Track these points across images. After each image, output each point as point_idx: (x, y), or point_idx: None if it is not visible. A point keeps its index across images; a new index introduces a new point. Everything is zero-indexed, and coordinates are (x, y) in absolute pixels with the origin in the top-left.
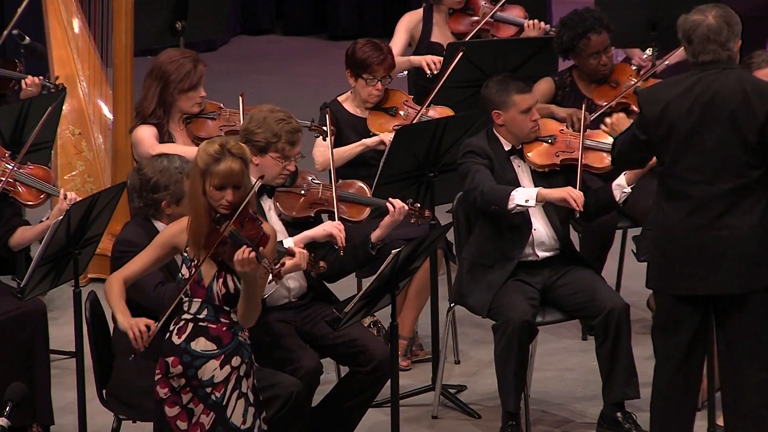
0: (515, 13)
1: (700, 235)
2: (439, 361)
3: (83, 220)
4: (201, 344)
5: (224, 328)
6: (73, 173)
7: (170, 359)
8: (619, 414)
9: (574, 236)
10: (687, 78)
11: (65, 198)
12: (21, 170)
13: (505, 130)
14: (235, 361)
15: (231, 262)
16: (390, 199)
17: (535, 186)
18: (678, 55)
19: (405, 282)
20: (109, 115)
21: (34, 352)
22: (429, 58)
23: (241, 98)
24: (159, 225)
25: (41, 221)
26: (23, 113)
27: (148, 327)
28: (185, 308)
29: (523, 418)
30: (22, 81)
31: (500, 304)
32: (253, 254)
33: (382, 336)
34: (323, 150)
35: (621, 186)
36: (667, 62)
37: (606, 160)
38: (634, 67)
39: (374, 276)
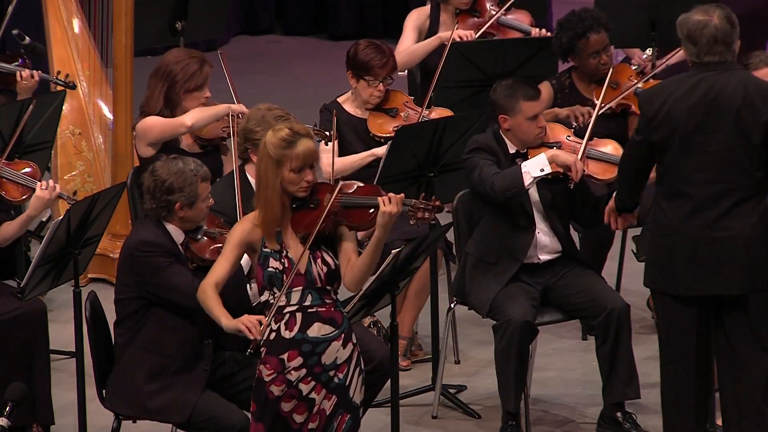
0: (521, 18)
1: (702, 235)
2: (439, 361)
3: (83, 220)
4: (317, 330)
5: (332, 308)
6: (73, 173)
7: (285, 355)
8: (619, 414)
9: (574, 236)
10: (688, 78)
11: (45, 188)
12: (7, 167)
13: (511, 134)
14: (354, 337)
15: (355, 227)
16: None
17: (539, 191)
18: (678, 55)
19: (405, 282)
20: (109, 115)
21: (34, 352)
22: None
23: (221, 56)
24: (170, 227)
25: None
26: (23, 113)
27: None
28: (281, 302)
29: (523, 418)
30: (17, 73)
31: (501, 304)
32: (401, 195)
33: (382, 336)
34: (329, 156)
35: None
36: (666, 62)
37: (609, 172)
38: (634, 68)
39: (374, 276)
